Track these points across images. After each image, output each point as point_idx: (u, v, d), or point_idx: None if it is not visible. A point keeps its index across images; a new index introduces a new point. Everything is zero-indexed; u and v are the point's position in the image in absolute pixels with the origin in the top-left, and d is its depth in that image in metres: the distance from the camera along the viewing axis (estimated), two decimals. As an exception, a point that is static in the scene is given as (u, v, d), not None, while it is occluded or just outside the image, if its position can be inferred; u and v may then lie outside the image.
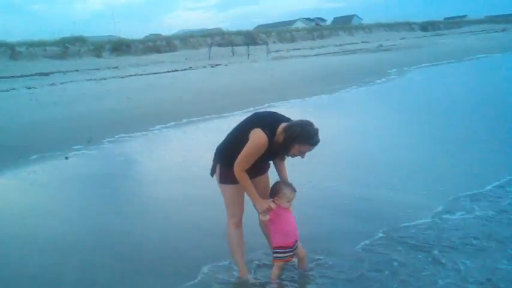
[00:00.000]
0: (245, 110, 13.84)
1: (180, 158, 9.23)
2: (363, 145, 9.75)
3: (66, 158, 9.71)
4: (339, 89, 18.11)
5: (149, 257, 5.02)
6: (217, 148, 4.29)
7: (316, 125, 3.97)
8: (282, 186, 4.11)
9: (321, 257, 4.74)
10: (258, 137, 3.89)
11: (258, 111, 4.27)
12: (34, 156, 9.77)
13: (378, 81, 20.16)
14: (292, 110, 14.41)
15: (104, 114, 14.18)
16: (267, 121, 4.03)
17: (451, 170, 7.51)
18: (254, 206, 4.19)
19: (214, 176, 4.31)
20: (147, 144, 10.93)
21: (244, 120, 4.18)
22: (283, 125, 3.97)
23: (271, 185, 4.31)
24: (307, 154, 4.02)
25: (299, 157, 4.06)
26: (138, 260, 4.97)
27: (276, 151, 4.02)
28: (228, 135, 4.25)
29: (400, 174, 7.48)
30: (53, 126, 12.73)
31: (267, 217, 4.08)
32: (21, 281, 4.72)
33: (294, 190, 4.12)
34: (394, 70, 23.48)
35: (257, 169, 4.16)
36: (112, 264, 4.91)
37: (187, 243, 5.30)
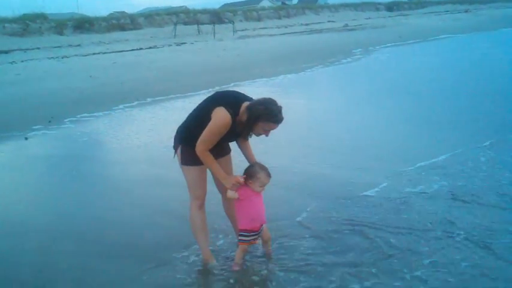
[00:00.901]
0: (210, 89, 13.75)
1: (144, 138, 9.05)
2: (323, 124, 9.79)
3: (26, 138, 9.44)
4: (305, 69, 18.11)
5: (111, 240, 4.92)
6: (178, 129, 4.20)
7: (280, 104, 3.92)
8: (258, 170, 4.01)
9: (287, 239, 4.74)
10: (221, 116, 3.82)
11: (220, 90, 4.17)
12: (-9, 137, 9.49)
13: (344, 60, 20.25)
14: (259, 90, 14.35)
15: (65, 93, 13.80)
16: (230, 100, 3.96)
17: (401, 146, 7.67)
18: (217, 186, 4.15)
19: (176, 157, 4.23)
20: (110, 124, 10.69)
21: (206, 99, 4.10)
22: (246, 104, 3.91)
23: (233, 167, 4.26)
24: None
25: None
26: (100, 244, 4.87)
27: (239, 130, 3.96)
28: (189, 116, 4.17)
29: (354, 151, 7.57)
30: (12, 106, 12.33)
31: (236, 195, 4.01)
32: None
33: (269, 175, 4.03)
34: (360, 50, 23.60)
35: (219, 150, 4.10)
36: (73, 248, 4.79)
37: (150, 226, 5.21)
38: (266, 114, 3.82)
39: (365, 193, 5.81)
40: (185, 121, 4.17)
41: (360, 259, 4.28)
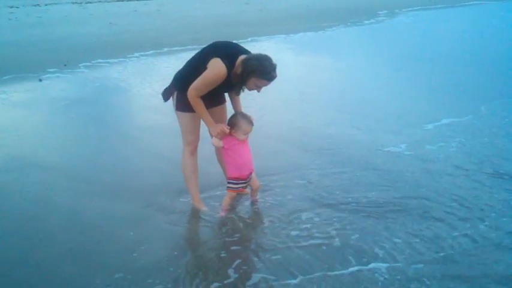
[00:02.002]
0: (227, 43, 13.63)
1: (156, 86, 9.08)
2: (338, 84, 9.71)
3: (40, 80, 9.62)
4: (325, 27, 17.84)
5: (107, 182, 5.04)
6: (175, 75, 4.25)
7: (274, 60, 3.90)
8: (239, 118, 4.09)
9: (276, 189, 4.84)
10: (216, 67, 3.85)
11: (218, 40, 4.19)
12: (7, 77, 9.67)
13: (366, 22, 19.84)
14: (276, 46, 14.29)
15: (83, 39, 13.91)
16: (227, 51, 3.97)
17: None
18: (209, 133, 4.22)
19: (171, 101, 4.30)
20: (124, 71, 10.78)
21: (204, 49, 4.11)
22: (242, 57, 3.93)
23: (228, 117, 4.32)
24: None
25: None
26: (96, 184, 5.00)
27: (233, 83, 4.00)
28: (186, 63, 4.20)
29: (367, 114, 7.52)
30: (30, 48, 12.50)
31: (221, 143, 4.09)
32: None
33: (250, 122, 4.10)
34: (385, 11, 23.07)
35: (213, 100, 4.15)
36: (70, 185, 4.95)
37: (147, 171, 5.31)
38: (259, 71, 3.82)
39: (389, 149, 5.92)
40: (182, 68, 4.21)
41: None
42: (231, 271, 3.52)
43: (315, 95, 8.65)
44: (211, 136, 4.17)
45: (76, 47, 12.88)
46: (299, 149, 5.98)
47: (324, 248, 3.81)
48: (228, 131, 4.02)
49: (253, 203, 4.58)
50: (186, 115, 4.15)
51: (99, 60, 11.51)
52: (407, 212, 4.34)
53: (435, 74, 10.40)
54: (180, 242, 3.95)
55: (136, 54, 12.39)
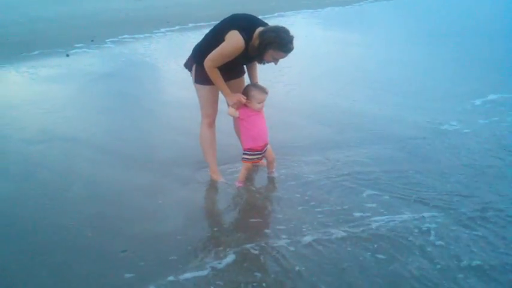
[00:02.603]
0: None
1: (182, 61, 9.15)
2: (361, 61, 9.63)
3: (67, 55, 9.80)
4: (353, 2, 17.60)
5: (131, 152, 5.17)
6: (194, 47, 4.28)
7: (292, 33, 3.91)
8: (251, 88, 4.13)
9: (293, 163, 4.87)
10: (235, 39, 3.87)
11: (237, 13, 4.20)
12: (36, 52, 9.88)
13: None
14: (303, 21, 14.19)
15: (110, 14, 14.06)
16: (244, 24, 3.97)
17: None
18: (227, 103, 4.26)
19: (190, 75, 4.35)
20: (150, 46, 10.90)
21: (222, 21, 4.13)
22: (259, 29, 3.94)
23: None
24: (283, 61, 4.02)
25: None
26: (120, 155, 5.12)
27: (251, 55, 4.02)
28: (205, 36, 4.22)
29: (392, 91, 7.46)
30: (57, 23, 12.70)
31: (236, 113, 4.14)
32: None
33: (264, 91, 4.12)
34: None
35: (231, 72, 4.18)
36: (94, 157, 5.05)
37: (168, 144, 5.41)
38: (277, 43, 3.82)
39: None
40: (201, 41, 4.23)
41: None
42: (244, 241, 3.57)
43: (354, 72, 8.63)
44: (228, 106, 4.21)
45: (103, 22, 13.03)
46: (323, 125, 6.00)
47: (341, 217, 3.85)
48: (244, 100, 4.06)
49: (269, 175, 4.62)
50: (205, 88, 4.20)
51: (126, 36, 11.64)
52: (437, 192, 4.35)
53: (472, 49, 10.24)
54: (196, 212, 4.02)
55: (162, 30, 12.48)
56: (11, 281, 3.15)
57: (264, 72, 4.55)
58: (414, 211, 3.92)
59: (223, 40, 3.89)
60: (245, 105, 4.11)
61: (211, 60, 3.92)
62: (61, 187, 4.40)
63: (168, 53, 10.21)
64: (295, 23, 14.05)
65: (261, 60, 4.07)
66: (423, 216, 3.83)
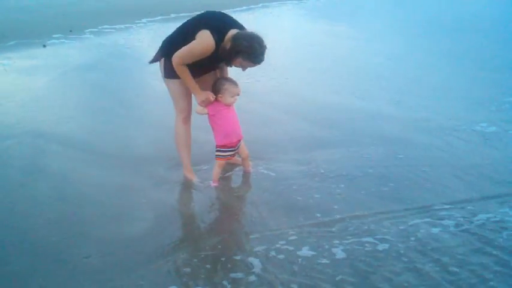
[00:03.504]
0: (237, 9, 13.46)
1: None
2: (347, 55, 9.49)
3: (44, 46, 9.52)
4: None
5: (104, 148, 4.97)
6: (164, 41, 4.10)
7: (266, 44, 3.74)
8: (223, 81, 3.97)
9: (270, 161, 4.71)
10: (204, 40, 3.69)
11: (213, 11, 4.01)
12: (11, 43, 9.61)
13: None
14: (288, 12, 14.01)
15: (89, 4, 13.76)
16: (218, 24, 3.80)
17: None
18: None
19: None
20: (130, 37, 10.65)
21: (195, 17, 3.95)
22: (233, 32, 3.77)
23: None
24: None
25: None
26: (93, 150, 4.90)
27: (221, 56, 3.85)
28: (176, 30, 4.04)
29: (383, 87, 7.35)
30: (34, 13, 12.37)
31: (205, 111, 3.99)
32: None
33: (235, 84, 3.99)
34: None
35: (202, 68, 4.00)
36: (66, 152, 4.84)
37: (142, 139, 5.21)
38: (247, 53, 3.69)
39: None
40: (171, 35, 4.06)
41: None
42: (216, 242, 3.41)
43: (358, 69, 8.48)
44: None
45: (82, 12, 12.74)
46: (305, 120, 5.84)
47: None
48: (213, 98, 3.91)
49: (245, 173, 4.46)
50: (176, 81, 4.02)
51: (106, 26, 11.39)
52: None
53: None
54: (167, 214, 3.80)
55: (143, 20, 12.24)
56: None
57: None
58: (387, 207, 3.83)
59: (193, 38, 3.73)
60: (216, 100, 3.94)
61: (180, 57, 3.76)
62: (26, 186, 4.20)
63: (149, 44, 9.91)
64: (281, 15, 13.92)
65: (229, 64, 3.93)
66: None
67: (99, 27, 11.23)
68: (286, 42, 10.41)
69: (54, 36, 10.20)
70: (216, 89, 3.96)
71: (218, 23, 3.81)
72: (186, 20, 4.00)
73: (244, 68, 3.87)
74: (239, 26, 3.86)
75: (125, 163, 4.65)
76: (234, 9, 13.70)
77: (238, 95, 4.02)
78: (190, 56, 3.75)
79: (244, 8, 14.33)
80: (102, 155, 4.83)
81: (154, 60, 4.14)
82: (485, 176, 4.36)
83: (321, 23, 12.83)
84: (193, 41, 3.71)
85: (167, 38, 4.07)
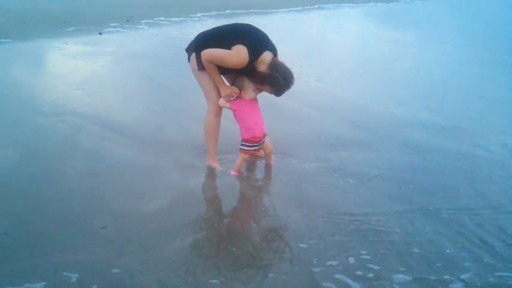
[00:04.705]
0: (292, 8, 13.56)
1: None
2: (392, 60, 9.45)
3: (100, 33, 9.97)
4: (399, -1, 17.25)
5: (137, 132, 5.24)
6: (198, 36, 4.27)
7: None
8: (243, 78, 4.14)
9: (293, 156, 4.84)
10: (239, 55, 3.89)
11: (253, 26, 4.19)
12: (70, 29, 10.10)
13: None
14: (342, 15, 13.98)
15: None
16: (255, 44, 3.98)
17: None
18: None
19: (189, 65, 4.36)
20: (182, 29, 10.96)
21: (234, 28, 4.15)
22: (268, 55, 3.98)
23: None
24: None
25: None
26: (127, 133, 5.19)
27: (249, 71, 4.05)
28: (215, 29, 4.22)
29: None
30: (98, 1, 12.90)
31: (227, 105, 4.18)
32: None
33: None
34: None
35: (228, 70, 4.17)
36: (101, 133, 5.14)
37: (178, 127, 5.44)
38: (278, 85, 3.98)
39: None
40: (208, 32, 4.23)
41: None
42: (226, 225, 3.63)
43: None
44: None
45: (142, 3, 13.18)
46: (337, 120, 5.95)
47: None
48: (237, 92, 4.09)
49: (266, 166, 4.61)
50: (208, 74, 4.19)
51: (161, 18, 11.76)
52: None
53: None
54: (184, 196, 4.00)
55: (198, 15, 12.54)
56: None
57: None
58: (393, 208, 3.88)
59: (228, 46, 3.92)
60: (239, 95, 4.13)
61: (211, 55, 3.97)
62: (61, 160, 4.52)
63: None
64: (333, 16, 13.94)
65: (254, 81, 4.13)
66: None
67: (155, 19, 11.63)
68: (333, 44, 10.50)
69: (111, 24, 10.66)
70: (237, 87, 4.12)
71: (255, 42, 4.00)
72: (224, 25, 4.22)
73: (261, 91, 4.17)
74: (272, 47, 4.06)
75: (154, 147, 4.89)
76: (289, 9, 13.82)
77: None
78: (219, 62, 3.98)
79: (300, 8, 14.41)
80: (135, 138, 5.09)
81: (188, 51, 4.34)
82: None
83: (372, 27, 12.79)
84: (229, 52, 3.90)
85: (202, 34, 4.26)
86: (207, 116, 4.43)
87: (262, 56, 3.95)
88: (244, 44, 3.89)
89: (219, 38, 4.06)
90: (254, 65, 3.98)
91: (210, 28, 4.30)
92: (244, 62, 3.89)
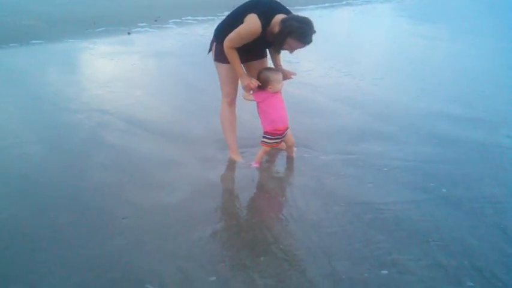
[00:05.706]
0: (320, 5, 13.51)
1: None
2: (421, 54, 9.31)
3: (129, 33, 10.14)
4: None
5: (162, 126, 5.34)
6: (216, 27, 4.35)
7: (315, 27, 3.85)
8: (266, 73, 4.13)
9: (315, 148, 4.82)
10: (251, 23, 3.88)
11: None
12: (100, 29, 10.31)
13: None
14: (371, 11, 13.84)
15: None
16: (264, 9, 3.95)
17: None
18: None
19: (210, 53, 4.41)
20: (210, 28, 10.93)
21: (245, 3, 4.16)
22: (280, 17, 3.90)
23: None
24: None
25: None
26: (149, 129, 5.26)
27: (269, 41, 4.02)
28: (227, 16, 4.28)
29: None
30: (125, 2, 13.12)
31: (251, 97, 4.18)
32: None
33: (276, 71, 4.17)
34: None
35: (251, 53, 4.19)
36: (125, 128, 5.26)
37: (202, 123, 5.45)
38: (297, 32, 3.81)
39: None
40: (222, 21, 4.30)
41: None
42: (245, 216, 3.66)
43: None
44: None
45: (169, 3, 13.34)
46: (361, 113, 5.90)
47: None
48: (256, 84, 4.07)
49: (288, 158, 4.61)
50: (224, 66, 4.24)
51: (189, 17, 11.88)
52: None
53: None
54: (205, 188, 4.03)
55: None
56: (16, 230, 3.39)
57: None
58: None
59: (241, 22, 3.92)
60: (263, 88, 4.12)
61: (230, 40, 3.96)
62: (85, 153, 4.64)
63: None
64: (362, 13, 13.83)
65: (279, 47, 4.06)
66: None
67: (183, 18, 11.75)
68: (363, 39, 10.41)
69: (139, 24, 10.83)
70: (262, 82, 4.12)
71: (265, 8, 3.95)
72: (236, 7, 4.22)
73: (292, 50, 3.97)
74: (286, 11, 3.99)
75: (177, 141, 4.95)
76: (317, 5, 13.77)
77: (283, 80, 4.19)
78: (238, 39, 3.94)
79: (327, 5, 14.34)
80: (159, 133, 5.16)
81: (210, 49, 4.38)
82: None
83: (401, 23, 12.60)
84: (241, 25, 3.90)
85: (218, 25, 4.31)
86: (221, 108, 4.49)
87: (274, 19, 3.90)
88: (253, 13, 3.88)
89: (232, 21, 4.07)
90: (270, 31, 3.92)
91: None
92: (258, 27, 3.84)
